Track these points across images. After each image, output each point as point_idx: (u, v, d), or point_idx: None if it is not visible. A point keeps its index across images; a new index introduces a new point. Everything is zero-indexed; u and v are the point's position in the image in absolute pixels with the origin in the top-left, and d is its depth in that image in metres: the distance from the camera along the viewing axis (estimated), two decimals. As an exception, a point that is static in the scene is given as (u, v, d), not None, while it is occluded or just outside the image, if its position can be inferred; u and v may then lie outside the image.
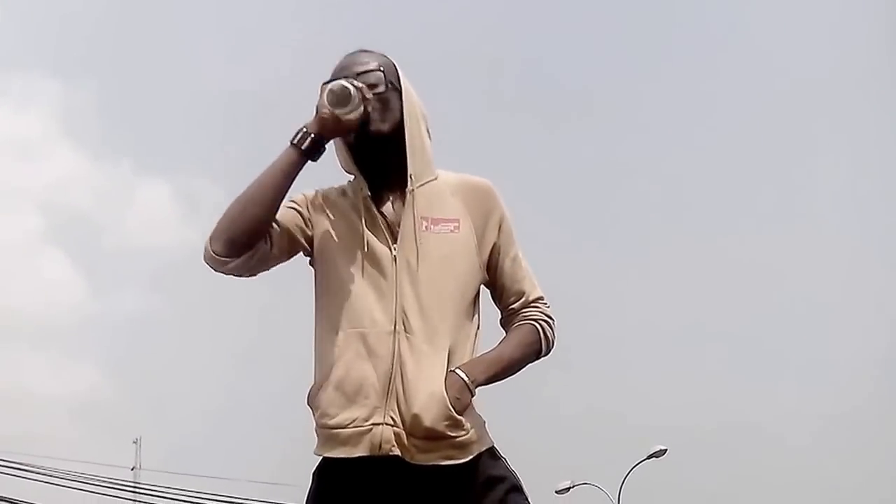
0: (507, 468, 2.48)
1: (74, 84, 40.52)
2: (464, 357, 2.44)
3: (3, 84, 39.34)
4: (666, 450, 23.07)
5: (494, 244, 2.54)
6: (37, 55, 39.86)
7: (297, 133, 2.42)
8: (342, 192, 2.58)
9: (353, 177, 2.57)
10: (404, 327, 2.39)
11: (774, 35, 37.55)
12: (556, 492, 23.34)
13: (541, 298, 2.59)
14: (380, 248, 2.46)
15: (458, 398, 2.37)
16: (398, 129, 2.50)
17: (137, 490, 20.58)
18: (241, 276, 2.49)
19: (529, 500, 2.49)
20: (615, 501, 23.32)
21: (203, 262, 2.44)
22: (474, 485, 2.41)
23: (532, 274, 2.61)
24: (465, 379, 2.39)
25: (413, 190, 2.49)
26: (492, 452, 2.47)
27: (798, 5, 36.21)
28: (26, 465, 16.57)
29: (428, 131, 2.57)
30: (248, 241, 2.41)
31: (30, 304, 38.28)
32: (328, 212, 2.55)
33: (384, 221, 2.49)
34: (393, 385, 2.37)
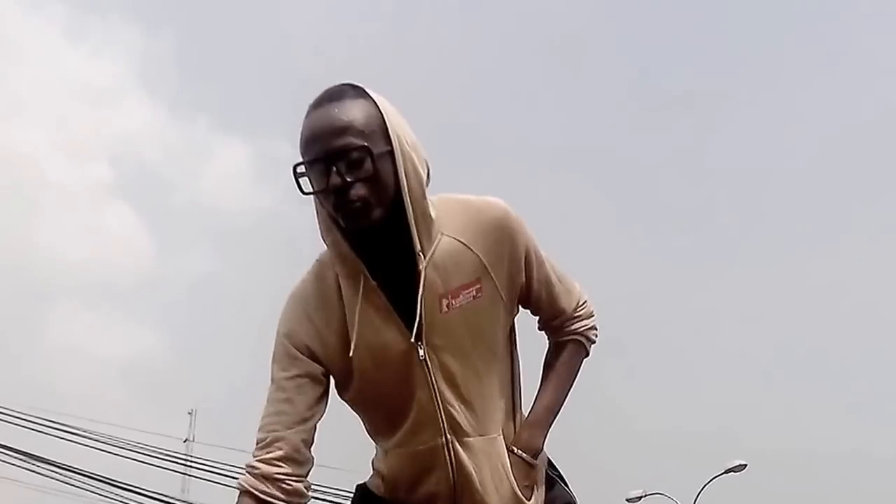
0: (560, 492, 2.47)
1: (154, 33, 40.14)
2: (511, 412, 2.39)
3: (80, 27, 38.93)
4: (745, 465, 22.55)
5: (524, 282, 2.34)
6: (118, 0, 39.31)
7: None
8: (329, 283, 2.27)
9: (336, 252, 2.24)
10: (455, 432, 2.27)
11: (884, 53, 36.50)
12: (627, 500, 23.11)
13: (580, 304, 2.47)
14: (403, 349, 2.23)
15: (526, 485, 2.34)
16: (395, 200, 2.16)
17: (190, 463, 20.09)
18: None
19: None
20: None
21: None
22: None
23: (565, 278, 2.44)
24: (526, 458, 2.35)
25: (424, 269, 2.19)
26: (548, 479, 2.44)
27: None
28: (79, 429, 16.28)
29: (426, 167, 2.21)
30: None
31: (91, 260, 37.83)
32: (332, 322, 2.26)
33: (399, 313, 2.22)
34: (459, 497, 2.29)
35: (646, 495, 23.06)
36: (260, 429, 2.24)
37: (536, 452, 2.38)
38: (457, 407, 2.27)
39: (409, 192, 2.16)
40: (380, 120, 2.15)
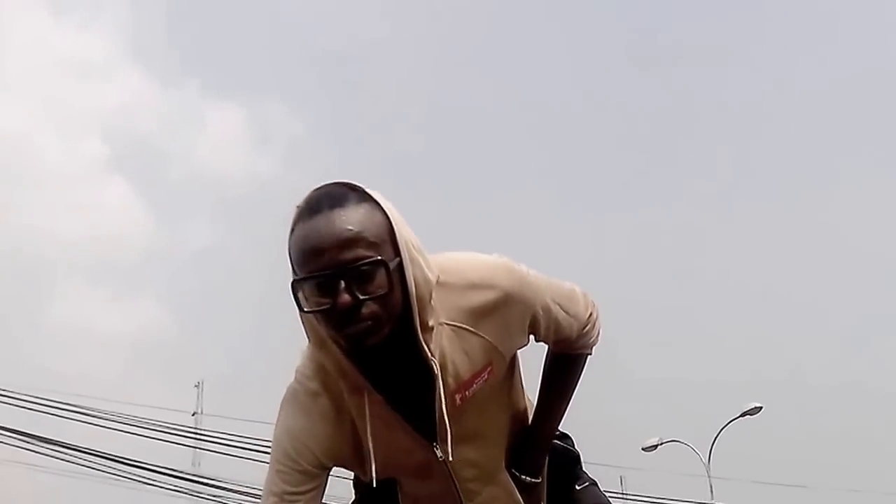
0: (562, 454, 2.49)
1: (142, 3, 39.44)
2: (524, 419, 2.40)
3: (68, 1, 38.35)
4: (761, 407, 22.70)
5: (531, 333, 2.26)
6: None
7: None
8: (328, 401, 2.15)
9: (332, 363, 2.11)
10: (469, 499, 2.28)
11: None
12: (643, 449, 23.12)
13: (586, 323, 2.34)
14: (420, 453, 2.19)
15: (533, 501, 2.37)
16: (403, 312, 2.01)
17: (199, 436, 19.97)
18: None
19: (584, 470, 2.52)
20: (705, 459, 22.81)
21: None
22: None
23: (570, 303, 2.30)
24: (531, 482, 2.36)
25: (438, 374, 2.08)
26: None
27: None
28: (84, 408, 16.14)
29: (435, 271, 2.08)
30: None
31: (90, 236, 37.56)
32: (336, 433, 2.16)
33: (409, 422, 2.15)
34: None
35: (662, 443, 23.07)
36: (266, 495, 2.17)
37: (540, 470, 2.39)
38: (474, 482, 2.27)
39: (417, 301, 2.02)
40: (387, 226, 1.99)
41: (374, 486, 2.14)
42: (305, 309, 1.98)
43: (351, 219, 1.94)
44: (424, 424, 2.15)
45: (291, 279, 1.97)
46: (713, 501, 22.07)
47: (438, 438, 2.15)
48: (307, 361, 2.16)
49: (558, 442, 2.48)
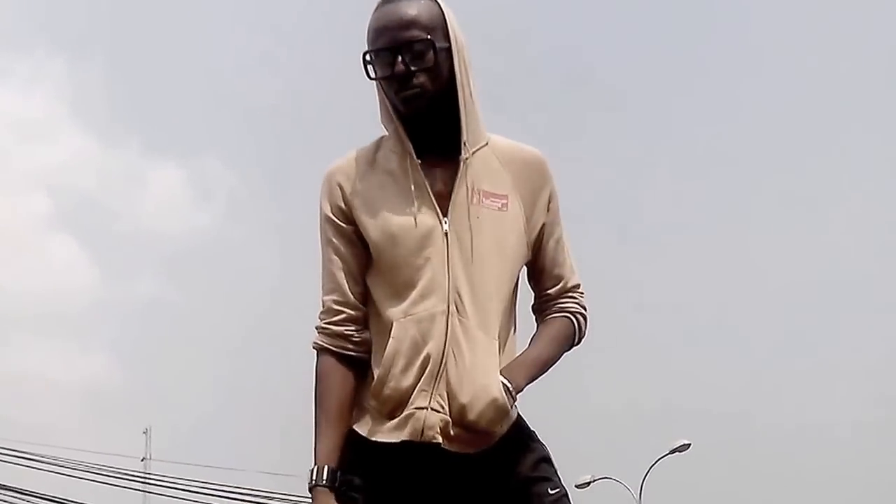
0: (533, 439, 2.44)
1: (80, 63, 40.10)
2: (509, 346, 2.41)
3: (7, 64, 39.06)
4: (689, 444, 22.85)
5: (542, 224, 2.45)
6: (40, 35, 39.37)
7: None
8: (378, 155, 2.44)
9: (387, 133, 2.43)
10: (457, 309, 2.32)
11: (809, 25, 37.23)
12: (577, 486, 22.95)
13: (578, 287, 2.53)
14: (429, 222, 2.35)
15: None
16: (448, 91, 2.34)
17: (148, 481, 20.28)
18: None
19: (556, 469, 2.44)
20: (637, 497, 23.12)
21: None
22: (505, 463, 2.37)
23: (573, 259, 2.54)
24: (509, 385, 2.34)
25: (467, 159, 2.36)
26: (518, 425, 2.42)
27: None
28: (35, 455, 16.40)
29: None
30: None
31: (37, 290, 37.89)
32: (368, 187, 2.40)
33: (432, 192, 2.36)
34: (444, 369, 2.30)
35: (595, 480, 23.24)
36: (322, 293, 2.43)
37: (518, 389, 2.37)
38: (464, 287, 2.32)
39: (462, 86, 2.35)
40: (441, 19, 2.35)
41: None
42: (372, 76, 2.34)
43: (412, 6, 2.32)
44: (443, 203, 2.36)
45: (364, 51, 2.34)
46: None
47: (450, 215, 2.34)
48: (362, 146, 2.47)
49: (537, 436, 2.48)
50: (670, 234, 35.84)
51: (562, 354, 2.50)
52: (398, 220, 2.35)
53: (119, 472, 17.49)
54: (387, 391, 2.31)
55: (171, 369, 35.88)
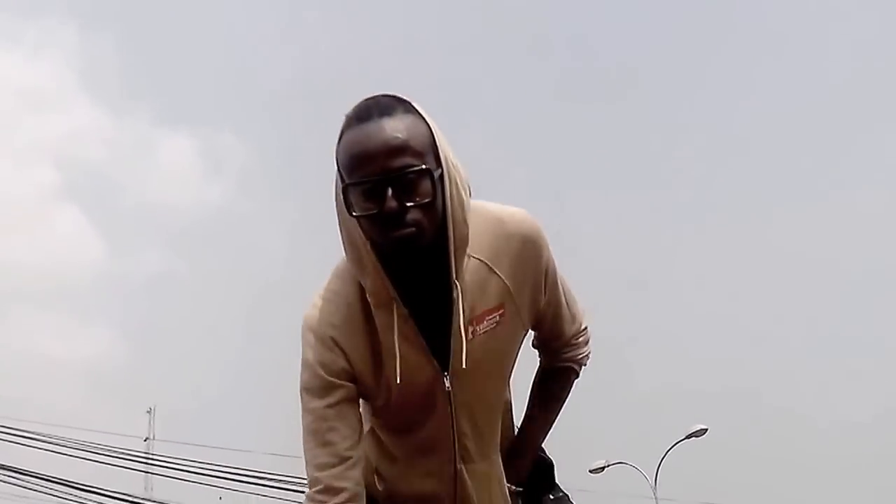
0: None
1: (90, 32, 39.54)
2: (505, 424, 2.40)
3: (17, 31, 38.41)
4: (706, 429, 22.69)
5: (542, 302, 2.29)
6: (52, 2, 38.73)
7: None
8: (358, 306, 2.17)
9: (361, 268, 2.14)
10: (463, 458, 2.28)
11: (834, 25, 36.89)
12: (591, 471, 22.96)
13: (580, 332, 2.42)
14: (430, 377, 2.19)
15: None
16: (441, 225, 2.06)
17: (151, 461, 19.99)
18: None
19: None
20: (652, 481, 22.85)
21: None
22: None
23: (573, 302, 2.38)
24: (514, 490, 2.40)
25: (459, 300, 2.11)
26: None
27: None
28: (38, 434, 16.25)
29: (468, 189, 2.12)
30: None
31: (42, 264, 37.42)
32: (362, 343, 2.17)
33: (428, 341, 2.16)
34: None
35: (609, 465, 23.07)
36: (312, 466, 2.17)
37: (523, 482, 2.43)
38: (470, 436, 2.26)
39: (453, 217, 2.06)
40: (430, 138, 2.04)
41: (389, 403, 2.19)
42: (354, 213, 2.01)
43: (399, 127, 1.99)
44: (439, 349, 2.17)
45: (341, 184, 2.02)
46: (660, 523, 22.18)
47: (450, 368, 2.17)
48: (336, 279, 2.19)
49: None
50: (690, 218, 35.46)
51: (564, 404, 2.49)
52: (399, 382, 2.14)
53: (121, 453, 17.32)
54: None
55: (176, 347, 35.62)
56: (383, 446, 2.34)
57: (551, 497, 2.45)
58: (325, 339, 2.15)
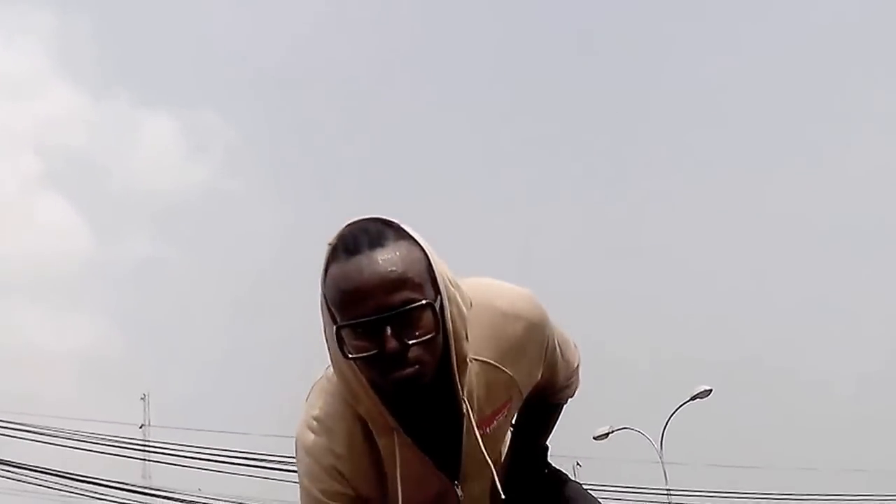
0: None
1: (67, 15, 39.01)
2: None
3: (-11, 18, 37.78)
4: (711, 390, 22.68)
5: (541, 371, 2.21)
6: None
7: None
8: (359, 429, 2.06)
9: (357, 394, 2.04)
10: None
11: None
12: (595, 437, 23.09)
13: (572, 374, 2.35)
14: (441, 491, 2.15)
15: None
16: (443, 356, 1.96)
17: (147, 448, 19.93)
18: None
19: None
20: (657, 445, 22.90)
21: None
22: None
23: (566, 349, 2.29)
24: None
25: (468, 411, 2.04)
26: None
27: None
28: (32, 426, 16.02)
29: (468, 302, 2.03)
30: None
31: (28, 254, 37.09)
32: (368, 474, 2.08)
33: (436, 460, 2.10)
34: None
35: (613, 431, 23.14)
36: None
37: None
38: None
39: (455, 338, 1.97)
40: (426, 264, 1.93)
41: None
42: (350, 356, 1.90)
43: (393, 259, 1.87)
44: (448, 462, 2.11)
45: (332, 325, 1.91)
46: (668, 486, 22.18)
47: (461, 477, 2.13)
48: (329, 399, 2.08)
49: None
50: (687, 186, 35.39)
51: (549, 433, 2.44)
52: (408, 499, 2.06)
53: (117, 441, 17.16)
54: None
55: (168, 332, 35.45)
56: None
57: (546, 472, 2.41)
58: (327, 468, 2.07)
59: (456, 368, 1.98)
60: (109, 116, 38.07)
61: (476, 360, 2.05)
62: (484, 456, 2.07)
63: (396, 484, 2.04)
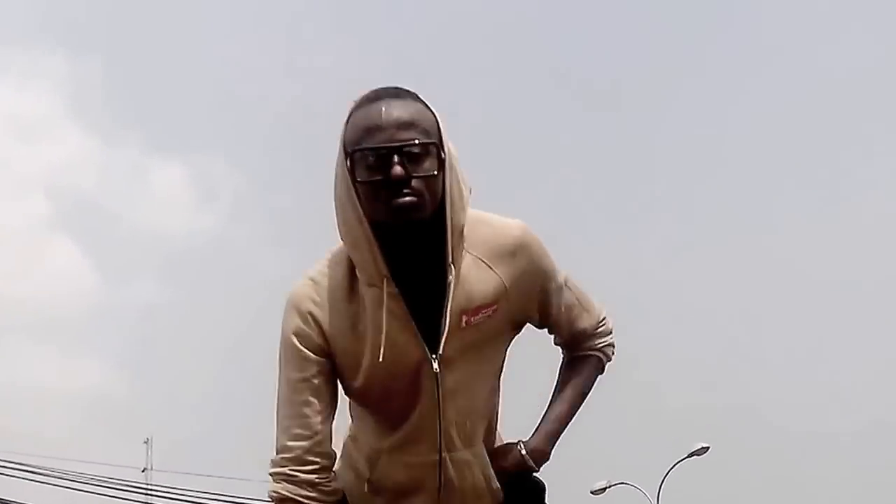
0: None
1: (79, 60, 39.57)
2: (492, 425, 2.42)
3: (3, 60, 38.42)
4: (708, 447, 22.64)
5: (541, 302, 2.34)
6: (39, 30, 38.79)
7: None
8: (351, 282, 2.21)
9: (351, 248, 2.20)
10: (448, 449, 2.29)
11: (819, 27, 37.11)
12: (592, 492, 22.90)
13: (599, 322, 2.45)
14: (417, 359, 2.21)
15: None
16: (439, 208, 2.12)
17: (150, 493, 20.22)
18: None
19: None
20: (654, 501, 22.92)
21: None
22: None
23: (584, 297, 2.42)
24: (531, 465, 2.39)
25: (452, 282, 2.16)
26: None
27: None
28: (34, 467, 16.20)
29: (469, 189, 2.20)
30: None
31: (36, 295, 37.43)
32: (345, 322, 2.21)
33: (417, 326, 2.19)
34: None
35: (610, 486, 23.06)
36: (285, 435, 2.24)
37: (543, 460, 2.42)
38: (454, 424, 2.28)
39: (451, 202, 2.13)
40: (436, 127, 2.13)
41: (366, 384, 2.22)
42: (359, 179, 2.08)
43: (408, 107, 2.11)
44: (428, 333, 2.21)
45: (344, 153, 2.10)
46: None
47: (440, 352, 2.21)
48: (328, 261, 2.26)
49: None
50: (687, 236, 35.58)
51: (588, 394, 2.48)
52: (385, 361, 2.17)
53: (120, 483, 17.32)
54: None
55: (172, 376, 35.52)
56: (368, 440, 2.36)
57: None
58: (303, 313, 2.21)
59: (450, 227, 2.14)
60: (119, 161, 38.55)
61: (470, 253, 2.22)
62: (461, 340, 2.20)
63: (381, 326, 2.16)
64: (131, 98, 39.42)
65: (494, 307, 2.24)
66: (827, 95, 36.12)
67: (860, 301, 34.43)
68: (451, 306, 2.18)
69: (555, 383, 2.47)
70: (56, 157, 39.66)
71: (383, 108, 2.10)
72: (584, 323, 2.43)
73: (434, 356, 2.21)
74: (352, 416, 2.41)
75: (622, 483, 23.24)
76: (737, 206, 37.83)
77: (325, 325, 2.21)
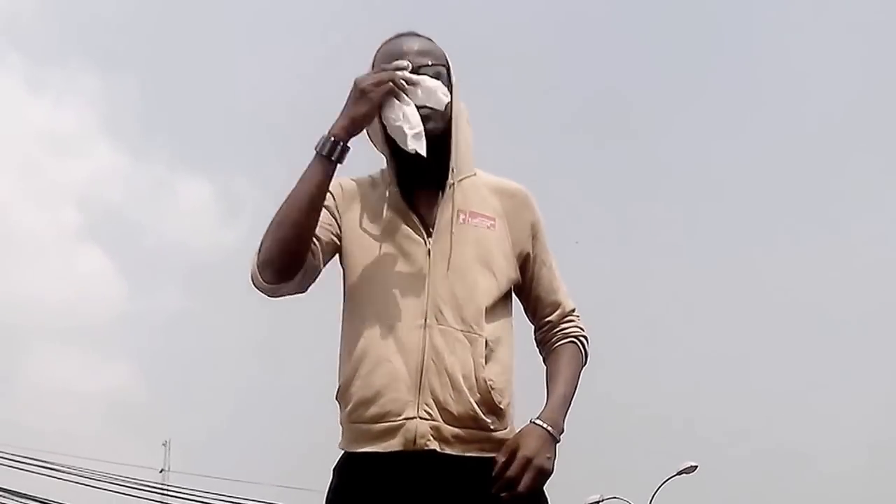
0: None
1: (114, 79, 40.65)
2: (502, 352, 2.42)
3: (41, 77, 39.71)
4: (696, 466, 22.69)
5: (529, 254, 2.51)
6: (75, 49, 39.97)
7: (323, 142, 2.33)
8: (373, 182, 2.54)
9: (384, 165, 2.53)
10: (437, 320, 2.35)
11: (813, 58, 37.25)
12: None
13: (574, 310, 2.58)
14: (413, 241, 2.42)
15: (548, 456, 2.34)
16: (446, 127, 2.43)
17: (166, 493, 20.45)
18: (295, 294, 2.44)
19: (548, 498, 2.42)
20: None
21: (255, 288, 2.41)
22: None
23: (563, 285, 2.59)
24: (551, 432, 2.37)
25: (454, 183, 2.45)
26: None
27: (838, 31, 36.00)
28: (56, 465, 16.54)
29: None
30: (297, 263, 2.35)
31: (65, 301, 38.39)
32: (358, 205, 2.49)
33: (418, 215, 2.44)
34: (425, 378, 2.32)
35: (603, 500, 23.18)
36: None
37: (560, 430, 2.40)
38: (447, 300, 2.36)
39: (458, 121, 2.44)
40: (447, 62, 2.48)
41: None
42: None
43: (424, 42, 2.46)
44: (426, 224, 2.44)
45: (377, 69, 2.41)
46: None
47: (434, 230, 2.42)
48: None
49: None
50: (678, 255, 35.76)
51: (578, 380, 2.52)
52: (380, 238, 2.43)
53: (138, 484, 17.73)
54: (367, 405, 2.33)
55: (191, 382, 36.24)
56: (356, 334, 2.41)
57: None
58: (336, 183, 2.44)
59: (455, 140, 2.43)
60: (147, 175, 39.56)
61: (472, 177, 2.50)
62: (461, 234, 2.42)
63: (382, 212, 2.42)
64: (160, 116, 40.35)
65: (493, 221, 2.46)
66: (827, 126, 36.09)
67: (851, 327, 34.21)
68: (449, 202, 2.43)
69: (546, 381, 2.52)
70: (88, 171, 40.74)
71: (406, 40, 2.46)
72: (562, 300, 2.55)
73: (429, 239, 2.41)
74: (343, 343, 2.47)
75: (614, 498, 23.38)
76: (733, 234, 37.71)
77: (339, 201, 2.47)
